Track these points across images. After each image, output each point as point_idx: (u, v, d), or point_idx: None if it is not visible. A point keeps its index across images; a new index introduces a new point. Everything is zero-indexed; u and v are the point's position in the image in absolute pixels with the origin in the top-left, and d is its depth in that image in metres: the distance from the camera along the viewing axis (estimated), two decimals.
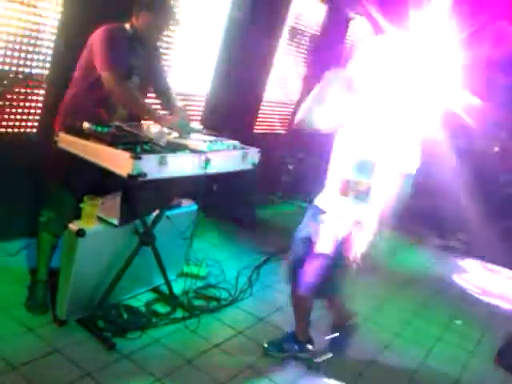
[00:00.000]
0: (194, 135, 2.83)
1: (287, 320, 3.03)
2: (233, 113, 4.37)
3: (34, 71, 3.11)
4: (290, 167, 5.46)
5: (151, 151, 2.45)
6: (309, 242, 2.72)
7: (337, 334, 3.04)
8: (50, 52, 3.12)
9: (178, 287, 3.26)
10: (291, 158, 5.52)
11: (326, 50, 5.22)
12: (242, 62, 4.37)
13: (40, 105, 3.20)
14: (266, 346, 2.95)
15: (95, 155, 2.42)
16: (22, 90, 3.09)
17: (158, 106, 3.13)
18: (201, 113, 4.56)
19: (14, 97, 3.06)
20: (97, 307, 2.79)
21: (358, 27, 6.11)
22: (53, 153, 2.63)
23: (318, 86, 2.65)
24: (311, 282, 2.71)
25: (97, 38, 2.67)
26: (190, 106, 4.42)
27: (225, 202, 4.84)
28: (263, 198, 5.54)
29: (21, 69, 3.03)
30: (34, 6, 2.93)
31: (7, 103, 3.04)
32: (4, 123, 3.07)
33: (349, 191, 2.68)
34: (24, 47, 2.99)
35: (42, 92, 3.18)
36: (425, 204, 6.69)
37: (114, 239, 2.81)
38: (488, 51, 5.47)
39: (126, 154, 2.30)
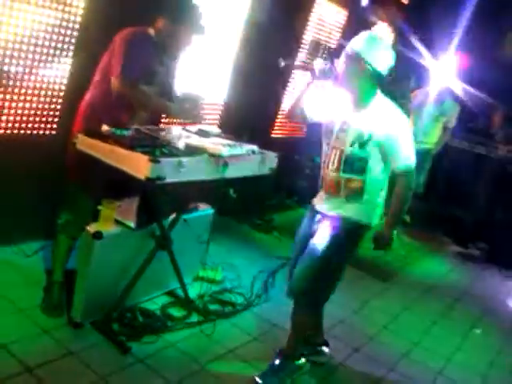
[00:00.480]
0: (212, 139, 2.81)
1: None
2: (251, 117, 4.34)
3: (55, 72, 3.12)
4: (307, 171, 5.42)
5: (170, 154, 2.44)
6: (306, 243, 2.67)
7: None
8: (71, 53, 3.12)
9: (193, 291, 3.24)
10: (308, 162, 5.47)
11: None
12: (260, 67, 4.34)
13: (60, 107, 3.21)
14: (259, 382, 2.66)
15: (113, 158, 2.41)
16: (43, 92, 3.10)
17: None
18: (219, 117, 4.55)
19: (34, 98, 3.06)
20: (112, 310, 2.78)
21: (378, 32, 6.04)
22: (71, 155, 2.63)
23: (308, 78, 2.68)
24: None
25: (118, 40, 2.65)
26: (208, 110, 4.41)
27: (241, 206, 4.83)
28: (280, 202, 5.50)
29: (41, 70, 3.03)
30: (56, 9, 2.93)
31: (27, 104, 3.04)
32: (23, 125, 3.08)
33: (340, 190, 2.58)
34: (45, 49, 3.00)
35: (62, 94, 3.19)
36: (443, 209, 6.62)
37: (131, 242, 2.80)
38: None
39: (145, 157, 2.29)
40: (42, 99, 3.11)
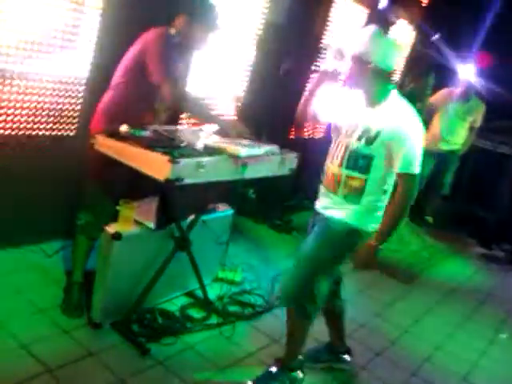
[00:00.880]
0: (231, 139, 2.79)
1: (323, 329, 2.94)
2: (269, 118, 4.30)
3: (74, 73, 3.13)
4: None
5: (188, 155, 2.42)
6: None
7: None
8: (91, 54, 3.13)
9: (212, 292, 3.22)
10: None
11: None
12: (278, 67, 4.31)
13: (79, 107, 3.22)
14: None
15: (132, 159, 2.40)
16: (62, 92, 3.11)
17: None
18: (237, 117, 4.52)
19: (54, 99, 3.08)
20: (132, 311, 2.78)
21: (399, 31, 5.97)
22: (90, 155, 2.63)
23: (315, 80, 2.63)
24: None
25: (152, 45, 2.64)
26: (226, 110, 4.39)
27: (260, 207, 4.80)
28: (298, 202, 5.45)
29: (60, 71, 3.04)
30: (74, 10, 2.94)
31: (46, 105, 3.06)
32: (43, 125, 3.09)
33: (339, 187, 2.47)
34: (64, 50, 3.01)
35: (81, 94, 3.20)
36: (466, 210, 6.50)
37: (150, 243, 2.79)
38: None
39: (164, 158, 2.27)
40: (61, 100, 3.12)
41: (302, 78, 4.87)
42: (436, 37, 2.65)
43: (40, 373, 2.30)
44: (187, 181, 2.34)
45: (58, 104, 3.11)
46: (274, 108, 4.43)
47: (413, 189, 2.37)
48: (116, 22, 3.09)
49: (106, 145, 2.50)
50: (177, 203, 2.76)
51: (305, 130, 5.33)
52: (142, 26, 2.76)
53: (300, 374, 2.68)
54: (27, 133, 3.03)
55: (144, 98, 2.71)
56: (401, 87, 5.94)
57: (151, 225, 2.70)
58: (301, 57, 4.63)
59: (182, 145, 2.51)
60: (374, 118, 2.39)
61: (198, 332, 2.90)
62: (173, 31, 2.74)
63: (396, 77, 6.30)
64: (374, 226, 2.47)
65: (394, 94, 2.43)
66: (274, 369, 2.63)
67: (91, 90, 3.17)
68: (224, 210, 3.30)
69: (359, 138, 2.40)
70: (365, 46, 2.33)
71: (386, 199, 2.48)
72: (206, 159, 2.42)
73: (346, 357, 2.94)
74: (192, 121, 3.82)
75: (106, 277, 2.62)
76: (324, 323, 2.90)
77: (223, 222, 3.26)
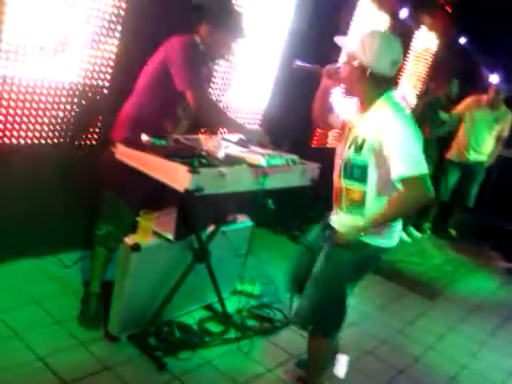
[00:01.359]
0: (252, 149, 2.74)
1: (342, 347, 2.86)
2: (291, 127, 4.25)
3: (95, 82, 3.12)
4: None
5: (209, 165, 2.38)
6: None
7: None
8: (112, 62, 3.12)
9: (231, 305, 3.15)
10: None
11: None
12: (302, 76, 4.26)
13: (101, 117, 3.21)
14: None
15: (152, 168, 2.36)
16: (83, 101, 3.10)
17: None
18: (259, 126, 4.49)
19: (74, 107, 3.07)
20: (149, 324, 2.73)
21: (423, 38, 5.89)
22: (111, 164, 2.60)
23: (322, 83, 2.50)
24: None
25: (177, 52, 2.62)
26: (248, 119, 4.36)
27: (280, 217, 4.73)
28: (319, 213, 5.36)
29: (81, 79, 3.04)
30: (96, 17, 2.93)
31: (66, 113, 3.05)
32: (63, 133, 3.08)
33: (342, 200, 2.35)
34: (85, 58, 3.00)
35: (102, 103, 3.18)
36: (490, 222, 6.36)
37: (169, 254, 2.75)
38: None
39: (184, 168, 2.23)
40: (81, 108, 3.11)
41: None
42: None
43: None
44: (207, 191, 2.29)
45: (78, 112, 3.10)
46: (296, 116, 4.38)
47: (416, 194, 2.13)
48: (137, 30, 3.08)
49: (126, 154, 2.47)
50: (196, 214, 2.72)
51: (328, 135, 5.27)
52: (164, 33, 2.74)
53: None
54: (47, 142, 3.02)
55: (166, 106, 2.70)
56: (424, 95, 5.86)
57: (170, 236, 2.66)
58: (323, 66, 4.58)
59: (203, 154, 2.47)
60: (361, 125, 2.26)
61: (215, 346, 2.84)
62: (198, 39, 2.73)
63: (413, 84, 6.22)
64: (383, 238, 2.31)
65: (384, 98, 2.22)
66: None
67: (111, 99, 3.16)
68: (243, 222, 3.25)
69: (349, 147, 2.28)
70: (358, 46, 2.17)
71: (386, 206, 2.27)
72: (226, 169, 2.37)
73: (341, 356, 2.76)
74: (214, 129, 3.80)
75: (124, 289, 2.57)
76: (345, 338, 2.81)
77: (242, 234, 3.20)
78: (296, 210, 4.67)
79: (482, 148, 5.57)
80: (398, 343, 3.43)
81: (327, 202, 5.68)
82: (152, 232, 2.65)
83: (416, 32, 5.65)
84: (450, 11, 5.95)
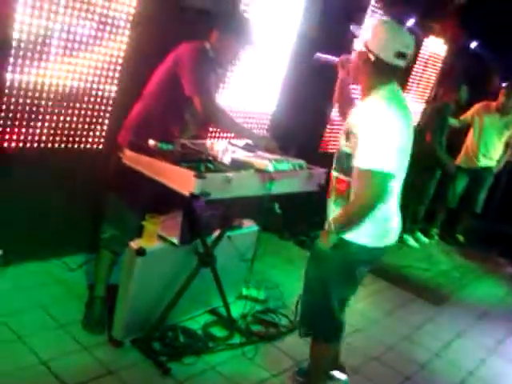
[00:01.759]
0: (258, 153, 2.73)
1: (348, 353, 2.83)
2: (299, 131, 4.24)
3: (102, 86, 3.11)
4: None
5: (215, 170, 2.37)
6: None
7: None
8: (120, 67, 3.12)
9: (236, 310, 3.14)
10: None
11: None
12: (310, 80, 4.25)
13: (107, 121, 3.20)
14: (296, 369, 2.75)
15: (159, 173, 2.36)
16: (90, 106, 3.10)
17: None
18: (265, 131, 4.46)
19: (82, 112, 3.07)
20: (153, 328, 2.71)
21: (432, 43, 5.86)
22: (117, 169, 2.60)
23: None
24: None
25: (186, 58, 2.63)
26: (255, 123, 4.34)
27: (286, 222, 4.70)
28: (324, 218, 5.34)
29: (88, 84, 3.03)
30: (105, 22, 2.93)
31: (74, 118, 3.05)
32: (70, 138, 3.08)
33: (332, 191, 2.31)
34: (93, 63, 3.00)
35: (109, 107, 3.18)
36: (498, 228, 6.30)
37: (174, 259, 2.73)
38: None
39: (190, 173, 2.22)
40: (88, 113, 3.11)
41: (332, 92, 4.80)
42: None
43: None
44: (213, 196, 2.28)
45: (85, 117, 3.09)
46: (304, 121, 4.36)
47: (369, 188, 2.07)
48: (145, 35, 3.08)
49: (132, 158, 2.47)
50: (202, 218, 2.70)
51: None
52: (173, 39, 2.76)
53: None
54: (52, 146, 3.02)
55: (174, 111, 2.70)
56: (434, 101, 5.82)
57: (175, 240, 2.65)
58: (332, 71, 4.56)
59: (209, 159, 2.45)
60: (354, 113, 2.24)
61: (220, 352, 2.82)
62: (208, 46, 2.73)
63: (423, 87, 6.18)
64: (366, 238, 2.21)
65: (383, 89, 2.17)
66: None
67: (118, 104, 3.16)
68: (249, 226, 3.23)
69: (342, 136, 2.27)
70: (368, 33, 2.16)
71: (383, 207, 2.17)
72: (232, 174, 2.36)
73: (336, 373, 2.74)
74: (222, 134, 3.79)
75: (129, 293, 2.56)
76: (350, 345, 2.79)
77: (248, 239, 3.18)
78: (303, 215, 4.65)
79: (491, 154, 5.52)
80: (404, 349, 3.40)
81: None
82: (157, 236, 2.64)
83: (425, 38, 5.62)
84: (459, 17, 5.92)
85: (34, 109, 2.84)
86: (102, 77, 3.06)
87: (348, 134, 2.20)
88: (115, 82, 3.14)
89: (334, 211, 2.29)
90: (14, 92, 2.73)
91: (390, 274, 4.50)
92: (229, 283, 3.04)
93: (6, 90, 2.69)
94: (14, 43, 2.61)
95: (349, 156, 2.18)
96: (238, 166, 2.48)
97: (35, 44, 2.68)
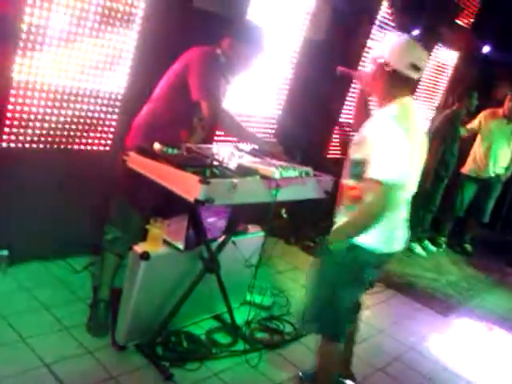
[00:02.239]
0: (265, 159, 2.71)
1: (354, 361, 2.80)
2: (306, 137, 4.21)
3: (110, 89, 3.12)
4: None
5: (221, 175, 2.35)
6: None
7: None
8: (127, 70, 3.12)
9: (240, 316, 3.11)
10: None
11: None
12: (316, 85, 4.23)
13: (114, 123, 3.20)
14: (301, 374, 2.77)
15: (163, 177, 2.34)
16: (98, 108, 3.10)
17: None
18: (272, 136, 4.45)
19: (88, 114, 3.07)
20: (157, 333, 2.70)
21: (441, 51, 5.82)
22: (122, 171, 2.59)
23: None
24: None
25: (196, 62, 2.64)
26: (261, 128, 4.33)
27: (293, 227, 4.68)
28: (332, 224, 5.30)
29: (97, 87, 3.04)
30: (112, 25, 2.93)
31: (81, 120, 3.05)
32: (77, 140, 3.09)
33: (342, 199, 2.36)
34: (101, 65, 3.00)
35: (116, 110, 3.18)
36: (507, 238, 6.23)
37: (178, 264, 2.72)
38: None
39: (195, 178, 2.20)
40: (95, 115, 3.11)
41: (339, 97, 4.79)
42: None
43: None
44: (218, 202, 2.26)
45: (92, 119, 3.10)
46: (311, 126, 4.35)
47: (377, 197, 2.12)
48: (154, 40, 3.08)
49: (138, 162, 2.46)
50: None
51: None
52: (183, 43, 2.76)
53: None
54: (58, 146, 3.02)
55: (181, 115, 2.69)
56: (442, 109, 5.78)
57: (180, 245, 2.63)
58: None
59: (215, 164, 2.44)
60: (368, 124, 2.30)
61: (223, 358, 2.80)
62: (219, 51, 2.73)
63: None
64: (372, 242, 2.24)
65: (398, 101, 2.25)
66: None
67: (125, 106, 3.16)
68: (255, 232, 3.21)
69: (354, 144, 2.33)
70: (383, 45, 2.29)
71: (390, 213, 2.20)
72: (238, 180, 2.34)
73: (349, 382, 2.75)
74: (228, 139, 3.78)
75: (133, 298, 2.54)
76: (357, 354, 2.77)
77: (253, 244, 3.15)
78: (309, 220, 4.62)
79: (500, 161, 5.45)
80: (410, 360, 3.35)
81: None
82: (162, 241, 2.63)
83: (434, 46, 5.58)
84: (469, 24, 5.89)
85: (40, 109, 2.85)
86: (109, 77, 3.06)
87: (361, 144, 2.26)
88: (123, 82, 3.14)
89: (344, 217, 2.32)
90: (21, 92, 2.74)
91: (397, 282, 4.46)
92: (233, 289, 3.02)
93: (13, 90, 2.70)
94: (21, 44, 2.62)
95: (361, 164, 2.23)
96: (243, 171, 2.45)
97: (42, 45, 2.69)
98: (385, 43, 2.31)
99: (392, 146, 2.14)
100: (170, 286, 2.71)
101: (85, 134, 3.10)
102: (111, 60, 3.02)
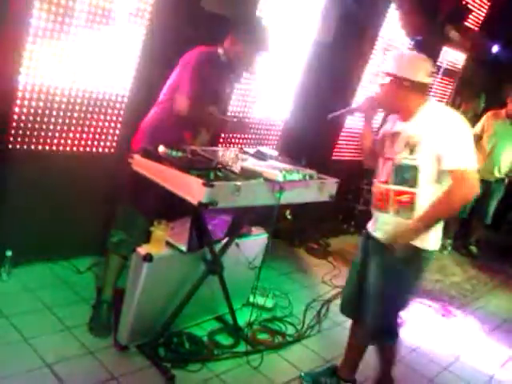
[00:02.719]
0: (269, 162, 2.71)
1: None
2: (311, 139, 4.21)
3: (115, 91, 3.12)
4: (368, 196, 5.19)
5: (224, 178, 2.35)
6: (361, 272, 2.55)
7: None
8: (132, 73, 3.12)
9: (242, 318, 3.12)
10: (369, 186, 5.25)
11: None
12: (324, 88, 4.22)
13: (120, 125, 3.21)
14: (302, 374, 2.81)
15: (168, 180, 2.35)
16: (103, 110, 3.10)
17: None
18: (277, 138, 4.45)
19: (95, 116, 3.08)
20: (159, 334, 2.70)
21: (449, 53, 5.80)
22: (127, 174, 2.60)
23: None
24: None
25: (187, 59, 2.66)
26: (267, 131, 4.32)
27: (297, 228, 4.68)
28: (336, 226, 5.30)
29: (102, 89, 3.04)
30: (118, 27, 2.94)
31: (87, 122, 3.06)
32: (83, 142, 3.09)
33: (388, 204, 2.39)
34: (106, 68, 3.00)
35: (122, 112, 3.19)
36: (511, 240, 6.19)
37: (181, 265, 2.72)
38: None
39: (199, 181, 2.21)
40: (101, 117, 3.12)
41: (347, 99, 4.77)
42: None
43: None
44: (221, 205, 2.26)
45: (98, 121, 3.10)
46: (317, 129, 4.34)
47: (464, 186, 2.22)
48: (160, 43, 3.08)
49: (142, 164, 2.46)
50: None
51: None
52: (187, 44, 2.76)
53: None
54: (64, 149, 3.04)
55: (186, 117, 2.68)
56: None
57: (183, 247, 2.64)
58: (347, 77, 4.55)
59: (219, 167, 2.44)
60: (414, 127, 2.35)
61: (224, 359, 2.80)
62: (220, 51, 2.73)
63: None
64: (433, 242, 2.38)
65: (430, 101, 2.43)
66: None
67: (131, 109, 3.16)
68: (258, 234, 3.21)
69: (402, 151, 2.36)
70: (394, 64, 2.39)
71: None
72: (241, 183, 2.34)
73: None
74: (233, 142, 3.79)
75: (135, 299, 2.55)
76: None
77: (257, 246, 3.16)
78: (313, 222, 4.62)
79: (504, 162, 5.41)
80: (412, 362, 3.34)
81: (346, 214, 5.60)
82: (165, 242, 2.63)
83: (443, 48, 5.56)
84: (477, 27, 5.86)
85: (46, 112, 2.86)
86: (115, 81, 3.07)
87: (411, 148, 2.32)
88: (128, 86, 3.14)
89: (398, 223, 2.35)
90: (27, 95, 2.75)
91: None
92: (236, 290, 3.02)
93: (19, 94, 2.71)
94: (28, 46, 2.63)
95: (413, 168, 2.30)
96: (247, 174, 2.45)
97: (49, 48, 2.70)
98: (394, 61, 2.40)
99: (467, 135, 2.28)
100: (173, 288, 2.72)
101: (90, 136, 3.11)
102: (117, 62, 3.03)
